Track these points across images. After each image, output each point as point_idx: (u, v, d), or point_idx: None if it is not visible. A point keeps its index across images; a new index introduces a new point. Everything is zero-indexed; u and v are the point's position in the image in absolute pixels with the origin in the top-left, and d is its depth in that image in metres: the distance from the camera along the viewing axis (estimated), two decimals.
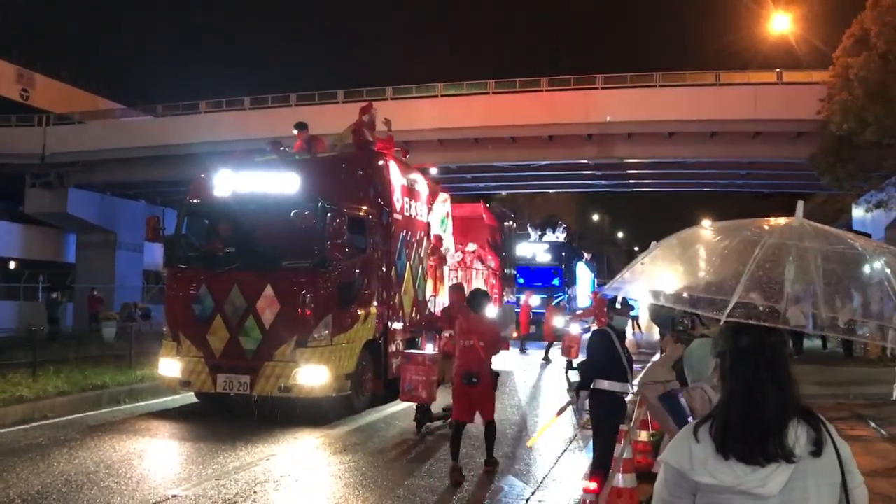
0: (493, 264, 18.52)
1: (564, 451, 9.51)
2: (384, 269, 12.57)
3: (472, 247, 17.72)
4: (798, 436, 2.10)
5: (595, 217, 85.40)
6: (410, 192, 13.64)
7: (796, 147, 28.19)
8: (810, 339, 23.10)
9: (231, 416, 11.28)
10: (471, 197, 31.07)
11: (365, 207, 12.18)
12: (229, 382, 11.03)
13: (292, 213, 10.54)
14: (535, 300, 23.26)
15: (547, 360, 19.58)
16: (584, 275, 38.52)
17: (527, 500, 7.37)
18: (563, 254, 34.84)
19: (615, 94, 31.02)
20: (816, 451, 2.10)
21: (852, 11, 23.95)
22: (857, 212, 31.68)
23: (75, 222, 36.33)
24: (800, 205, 2.61)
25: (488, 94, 32.66)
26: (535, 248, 34.07)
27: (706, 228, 2.88)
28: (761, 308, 2.33)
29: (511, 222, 21.44)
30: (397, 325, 12.94)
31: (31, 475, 7.98)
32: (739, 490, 2.06)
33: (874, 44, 21.95)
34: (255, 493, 7.49)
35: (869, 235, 27.15)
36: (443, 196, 15.66)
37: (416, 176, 14.16)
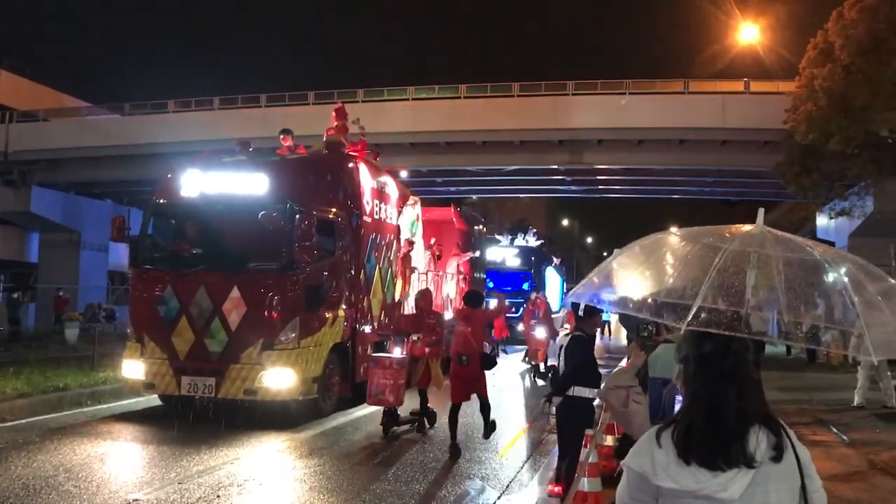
0: (462, 268, 18.53)
1: (530, 455, 9.73)
2: (353, 272, 12.52)
3: (444, 251, 17.74)
4: (759, 441, 2.12)
5: (565, 222, 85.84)
6: (380, 194, 13.60)
7: (763, 156, 28.56)
8: (774, 346, 23.43)
9: (196, 419, 11.13)
10: (442, 201, 31.12)
11: (334, 210, 12.12)
12: (194, 385, 10.91)
13: (260, 215, 10.46)
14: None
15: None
16: (553, 279, 38.63)
17: None
18: (533, 258, 34.88)
19: (585, 100, 31.19)
20: (777, 456, 2.12)
21: (818, 22, 24.41)
22: (822, 220, 32.12)
23: (38, 221, 35.66)
24: (760, 212, 2.63)
25: (460, 98, 32.70)
26: (505, 253, 34.07)
27: (668, 235, 2.90)
28: (722, 315, 2.33)
29: (481, 226, 21.45)
30: (366, 329, 12.89)
31: None
32: (701, 494, 2.08)
33: (838, 56, 22.38)
34: (218, 497, 7.41)
35: (833, 243, 27.68)
36: (413, 199, 15.63)
37: (387, 179, 14.12)
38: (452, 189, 38.28)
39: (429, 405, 11.28)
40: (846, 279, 2.54)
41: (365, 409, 12.35)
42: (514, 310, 23.55)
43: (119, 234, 11.56)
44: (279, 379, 10.76)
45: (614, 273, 2.95)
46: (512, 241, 36.44)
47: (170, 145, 28.61)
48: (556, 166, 33.28)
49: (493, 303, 14.38)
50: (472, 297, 10.77)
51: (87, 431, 10.49)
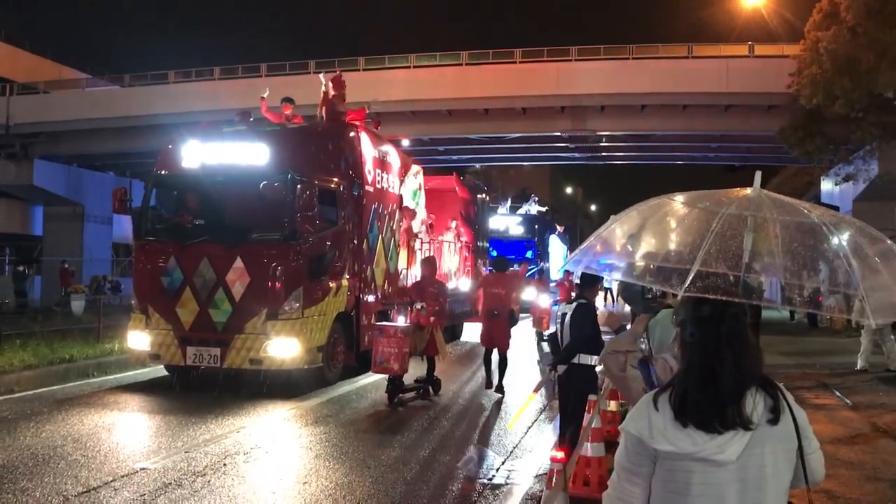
0: (465, 237, 18.49)
1: (534, 421, 9.74)
2: (356, 242, 12.51)
3: (446, 220, 17.72)
4: (756, 404, 2.13)
5: (568, 190, 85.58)
6: (382, 164, 13.55)
7: (767, 120, 28.38)
8: (777, 311, 23.53)
9: (201, 389, 11.23)
10: (444, 170, 30.96)
11: (336, 179, 12.08)
12: (199, 355, 10.97)
13: (261, 185, 10.43)
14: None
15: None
16: (556, 248, 38.62)
17: (497, 470, 7.48)
18: (537, 226, 34.83)
19: (588, 66, 30.90)
20: (773, 418, 2.14)
21: None
22: (826, 185, 31.96)
23: (41, 194, 35.68)
24: (757, 175, 2.61)
25: (461, 65, 32.41)
26: (508, 221, 34.01)
27: (665, 200, 2.85)
28: (720, 280, 2.33)
29: (484, 195, 21.38)
30: (369, 298, 12.92)
31: None
32: (698, 457, 2.10)
33: (843, 17, 21.96)
34: (224, 465, 7.46)
35: (837, 208, 27.58)
36: (415, 168, 15.56)
37: (388, 148, 14.06)
38: (455, 158, 38.10)
39: (434, 373, 11.40)
40: (845, 242, 2.54)
41: (370, 378, 12.44)
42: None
43: (121, 205, 11.55)
44: (284, 348, 10.81)
45: (612, 239, 2.93)
46: (515, 209, 36.33)
47: (171, 116, 28.46)
48: (558, 133, 33.15)
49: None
50: (500, 263, 12.56)
51: (94, 402, 10.57)
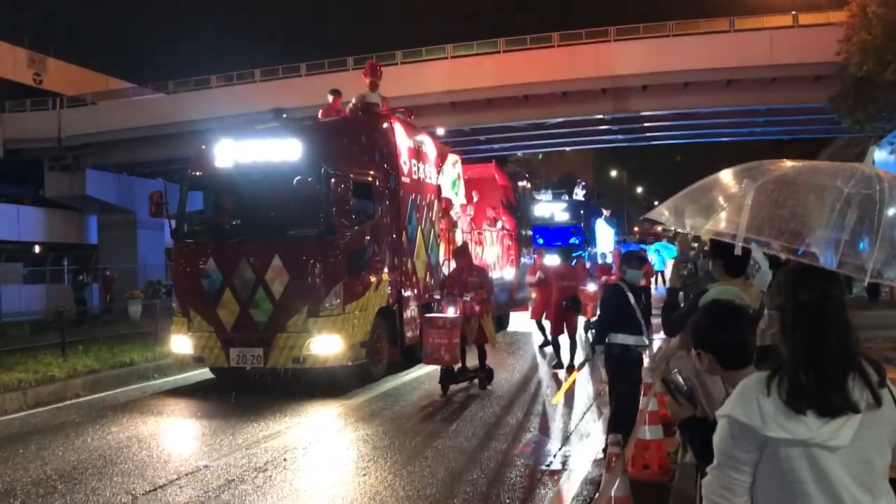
0: (507, 225, 17.99)
1: (589, 406, 9.76)
2: (394, 235, 12.16)
3: (487, 209, 17.27)
4: (862, 385, 2.11)
5: (613, 173, 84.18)
6: (418, 154, 13.16)
7: (815, 91, 27.35)
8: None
9: (250, 389, 11.10)
10: (486, 159, 30.58)
11: (371, 172, 11.75)
12: (242, 356, 10.76)
13: (295, 181, 10.16)
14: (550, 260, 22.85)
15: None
16: (604, 232, 37.93)
17: (554, 456, 7.42)
18: (582, 212, 34.27)
19: (628, 46, 30.30)
20: (879, 398, 2.12)
21: None
22: (880, 155, 30.73)
23: (95, 204, 36.20)
24: (871, 149, 2.47)
25: (499, 52, 32.09)
26: (552, 208, 33.55)
27: (761, 170, 2.74)
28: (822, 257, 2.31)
29: (525, 182, 20.82)
30: (411, 291, 12.57)
31: (66, 452, 8.03)
32: (812, 443, 2.07)
33: None
34: (285, 459, 7.49)
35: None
36: (453, 158, 15.15)
37: (424, 138, 13.63)
38: (496, 147, 37.66)
39: (487, 362, 11.24)
40: None
41: (416, 372, 12.21)
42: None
43: (157, 209, 11.38)
44: (326, 345, 10.55)
45: (756, 210, 2.64)
46: (558, 195, 35.78)
47: (214, 121, 28.46)
48: (600, 116, 32.62)
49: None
50: (566, 253, 13.81)
51: (154, 404, 10.69)
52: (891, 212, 2.47)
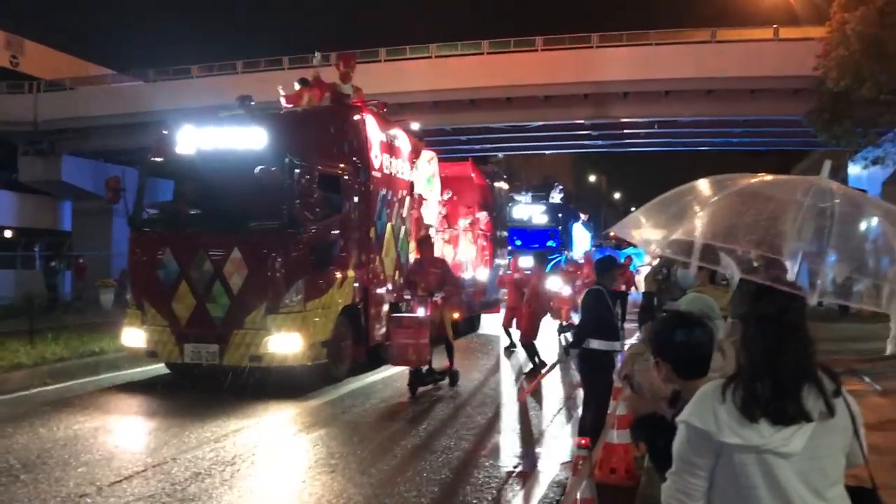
0: (483, 225, 17.35)
1: (559, 409, 9.59)
2: (362, 230, 11.48)
3: (463, 208, 16.61)
4: (816, 394, 2.13)
5: (592, 178, 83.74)
6: (390, 148, 12.46)
7: (793, 104, 27.23)
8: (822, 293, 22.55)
9: (205, 386, 10.40)
10: (466, 159, 30.18)
11: (339, 164, 11.06)
12: (197, 352, 10.07)
13: (257, 170, 9.47)
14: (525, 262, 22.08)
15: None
16: (581, 236, 37.47)
17: (522, 458, 7.36)
18: (560, 215, 33.82)
19: (611, 52, 30.09)
20: (833, 408, 2.13)
21: None
22: (854, 169, 30.84)
23: (70, 190, 35.05)
24: (826, 164, 2.53)
25: (482, 54, 31.87)
26: (531, 210, 33.09)
27: (724, 183, 2.71)
28: (781, 272, 2.30)
29: (503, 182, 20.17)
30: (379, 290, 11.91)
31: (30, 441, 7.72)
32: (765, 449, 2.09)
33: None
34: (241, 461, 7.08)
35: (865, 192, 26.63)
36: (428, 154, 14.48)
37: (397, 132, 12.92)
38: (477, 147, 37.23)
39: (454, 364, 10.86)
40: (879, 227, 2.51)
41: (380, 373, 11.59)
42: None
43: (114, 195, 10.65)
44: (285, 344, 9.88)
45: (690, 219, 2.69)
46: (537, 198, 35.34)
47: (195, 111, 27.64)
48: (581, 121, 32.41)
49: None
50: (541, 258, 13.90)
51: (122, 395, 10.27)
52: (845, 227, 2.45)
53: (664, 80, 28.93)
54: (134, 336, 10.44)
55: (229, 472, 6.69)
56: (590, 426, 6.44)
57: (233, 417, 8.82)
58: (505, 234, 20.56)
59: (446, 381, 10.79)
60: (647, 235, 2.87)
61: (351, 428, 8.43)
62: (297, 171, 9.77)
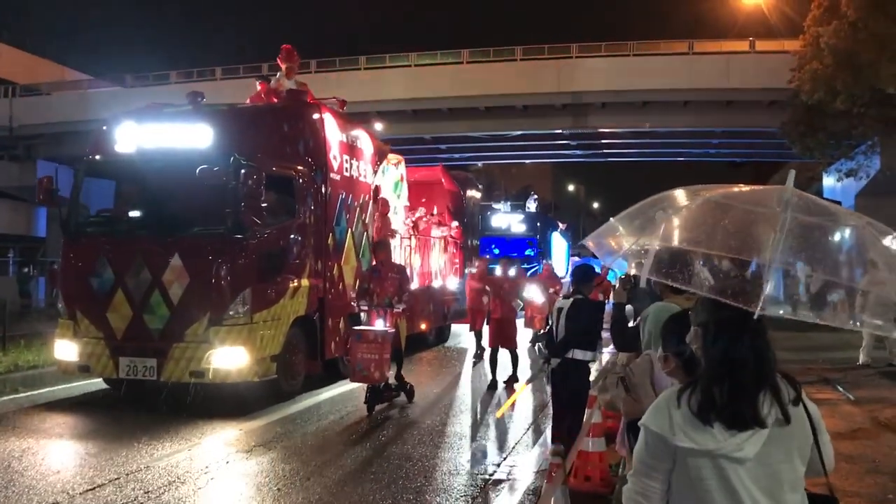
0: (453, 233, 16.29)
1: (535, 417, 9.22)
2: (319, 236, 10.38)
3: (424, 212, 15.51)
4: (772, 402, 2.09)
5: (570, 187, 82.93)
6: (351, 149, 11.37)
7: (768, 116, 26.97)
8: (777, 303, 22.35)
9: (152, 402, 9.32)
10: (447, 169, 29.45)
11: (292, 165, 9.98)
12: (133, 367, 8.96)
13: (198, 170, 8.42)
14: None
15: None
16: (559, 245, 36.54)
17: (497, 465, 7.12)
18: (538, 224, 32.88)
19: (589, 63, 29.62)
20: (789, 415, 2.10)
21: None
22: (829, 180, 30.55)
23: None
24: (791, 174, 2.40)
25: (462, 63, 31.52)
26: (510, 219, 32.16)
27: (688, 195, 2.61)
28: (745, 284, 2.23)
29: (475, 190, 19.12)
30: (337, 300, 10.82)
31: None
32: (718, 454, 2.07)
33: (844, 12, 20.56)
34: (182, 483, 6.34)
35: (839, 203, 26.24)
36: (395, 158, 13.41)
37: (359, 132, 11.77)
38: (457, 156, 36.54)
39: (403, 376, 9.92)
40: (855, 240, 2.45)
41: (337, 388, 10.56)
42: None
43: (46, 196, 9.57)
44: (230, 358, 8.80)
45: (630, 229, 2.69)
46: (516, 207, 34.49)
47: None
48: (560, 130, 32.09)
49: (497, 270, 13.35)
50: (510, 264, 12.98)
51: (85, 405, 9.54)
52: (816, 236, 2.35)
53: (642, 91, 28.57)
54: (66, 349, 9.31)
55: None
56: (567, 434, 6.27)
57: (168, 440, 7.79)
58: (476, 242, 19.51)
59: (402, 396, 9.79)
60: (619, 245, 2.76)
61: (297, 449, 7.54)
62: (242, 171, 8.70)
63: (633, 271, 3.02)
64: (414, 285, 13.07)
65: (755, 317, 2.10)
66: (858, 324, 2.44)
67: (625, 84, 28.22)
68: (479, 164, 45.16)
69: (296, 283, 9.77)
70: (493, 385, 11.07)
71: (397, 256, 12.86)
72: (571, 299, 6.65)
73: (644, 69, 28.33)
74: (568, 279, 24.65)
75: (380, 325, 9.22)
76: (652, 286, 6.29)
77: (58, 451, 7.62)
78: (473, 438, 8.22)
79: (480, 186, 21.26)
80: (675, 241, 2.46)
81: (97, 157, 9.70)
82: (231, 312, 8.85)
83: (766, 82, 25.76)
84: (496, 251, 28.11)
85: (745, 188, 2.66)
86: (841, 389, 10.54)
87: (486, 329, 12.70)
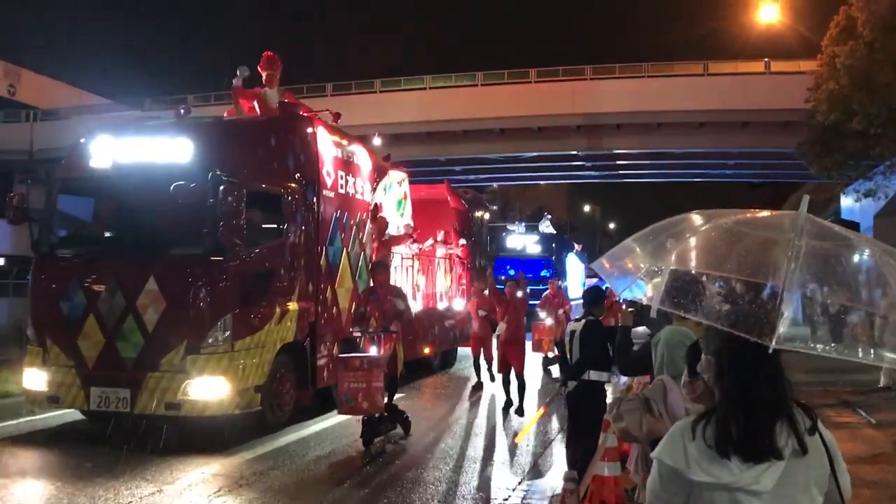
0: (460, 253, 15.28)
1: (551, 441, 8.90)
2: (310, 257, 9.44)
3: (436, 234, 14.54)
4: (789, 432, 1.98)
5: (586, 208, 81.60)
6: (347, 165, 10.43)
7: (785, 137, 25.90)
8: (796, 325, 21.41)
9: (128, 435, 8.21)
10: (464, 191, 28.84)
11: (281, 181, 9.08)
12: (105, 398, 8.05)
13: (172, 187, 7.55)
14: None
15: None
16: (574, 266, 35.50)
17: (513, 490, 6.85)
18: (554, 245, 31.97)
19: (604, 84, 29.02)
20: (806, 446, 1.98)
21: None
22: (846, 201, 29.40)
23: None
24: (804, 199, 2.38)
25: (476, 85, 31.01)
26: (525, 240, 31.32)
27: (701, 219, 2.49)
28: (755, 317, 2.05)
29: (484, 210, 18.12)
30: (330, 325, 9.87)
31: None
32: (734, 487, 1.96)
33: (861, 32, 19.49)
34: None
35: (857, 224, 25.28)
36: (398, 175, 12.50)
37: (356, 147, 10.83)
38: (472, 178, 35.83)
39: (402, 410, 8.98)
40: (871, 265, 2.31)
41: (328, 421, 9.55)
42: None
43: (16, 215, 8.76)
44: (208, 389, 7.89)
45: (639, 260, 2.61)
46: (531, 228, 33.57)
47: None
48: (575, 152, 31.37)
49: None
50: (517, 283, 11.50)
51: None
52: (833, 260, 2.24)
53: (657, 112, 27.93)
54: (34, 378, 8.41)
55: None
56: (581, 458, 6.10)
57: (142, 478, 6.91)
58: (484, 262, 18.51)
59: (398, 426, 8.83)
60: (633, 268, 2.65)
61: (282, 488, 6.77)
62: (222, 187, 7.81)
63: (646, 301, 2.76)
64: (416, 307, 12.11)
65: (770, 351, 1.96)
66: (876, 357, 2.25)
67: (640, 105, 27.62)
68: (495, 185, 44.37)
69: (283, 308, 8.83)
70: (508, 404, 10.62)
71: (399, 277, 11.92)
72: (583, 321, 6.47)
73: (659, 90, 27.79)
74: (580, 300, 23.53)
75: (373, 351, 8.26)
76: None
77: (22, 493, 6.76)
78: (490, 461, 7.87)
79: (489, 206, 20.34)
80: (686, 268, 2.35)
81: (71, 173, 8.85)
82: (210, 340, 7.93)
83: (782, 103, 25.01)
84: (511, 272, 27.29)
85: (758, 213, 2.57)
86: (862, 413, 10.18)
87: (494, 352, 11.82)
